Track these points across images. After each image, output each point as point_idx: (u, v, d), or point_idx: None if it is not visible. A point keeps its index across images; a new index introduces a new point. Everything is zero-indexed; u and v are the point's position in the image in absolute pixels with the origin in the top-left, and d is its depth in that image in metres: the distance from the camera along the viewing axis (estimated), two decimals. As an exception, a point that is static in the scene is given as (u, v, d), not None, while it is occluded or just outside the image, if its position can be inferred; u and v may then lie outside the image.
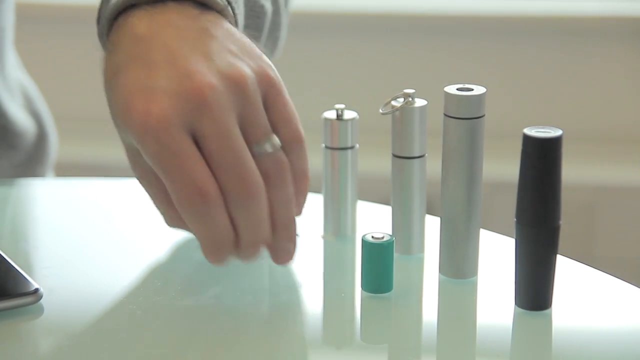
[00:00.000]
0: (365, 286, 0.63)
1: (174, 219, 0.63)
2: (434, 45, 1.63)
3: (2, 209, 0.76)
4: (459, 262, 0.65)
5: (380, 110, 0.65)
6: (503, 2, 1.63)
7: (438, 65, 1.63)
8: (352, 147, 0.69)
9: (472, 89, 0.63)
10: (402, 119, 0.65)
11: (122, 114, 0.59)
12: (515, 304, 0.62)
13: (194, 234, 0.60)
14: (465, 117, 0.62)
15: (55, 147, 0.96)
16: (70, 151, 1.53)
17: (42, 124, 0.94)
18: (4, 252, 0.66)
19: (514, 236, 0.61)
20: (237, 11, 0.65)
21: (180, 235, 0.69)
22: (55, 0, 1.69)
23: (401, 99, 0.65)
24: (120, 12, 0.63)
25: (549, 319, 0.61)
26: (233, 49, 0.61)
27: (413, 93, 0.65)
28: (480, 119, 0.63)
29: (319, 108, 0.71)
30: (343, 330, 0.62)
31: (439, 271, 0.65)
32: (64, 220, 0.74)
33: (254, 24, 0.73)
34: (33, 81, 0.98)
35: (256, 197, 0.59)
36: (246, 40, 0.62)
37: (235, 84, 0.60)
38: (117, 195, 0.78)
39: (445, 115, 0.63)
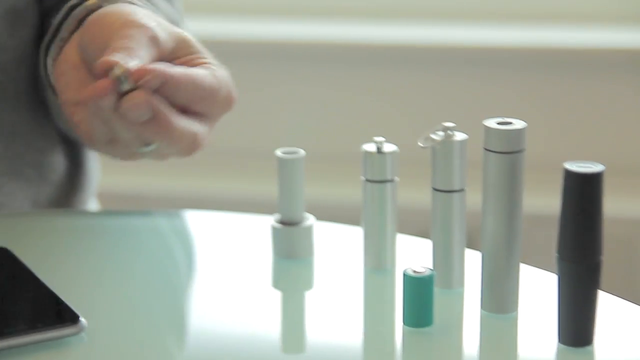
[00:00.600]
0: (406, 320, 0.63)
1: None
2: (473, 77, 1.63)
3: (45, 239, 0.77)
4: (499, 297, 0.64)
5: (420, 144, 0.65)
6: (544, 34, 1.63)
7: (478, 98, 1.63)
8: (391, 180, 0.69)
9: (512, 123, 0.62)
10: (442, 152, 0.65)
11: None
12: (558, 339, 0.61)
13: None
14: (505, 152, 0.62)
15: (95, 175, 0.96)
16: (115, 181, 1.54)
17: (76, 158, 0.94)
18: (47, 282, 0.66)
19: (555, 271, 0.61)
20: None
21: (221, 269, 0.69)
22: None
23: (441, 133, 0.65)
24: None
25: (591, 355, 0.61)
26: None
27: (453, 126, 0.65)
28: (520, 152, 0.62)
29: (359, 140, 0.71)
30: (383, 365, 0.61)
31: (480, 306, 0.65)
32: (107, 252, 0.75)
33: None
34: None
35: None
36: None
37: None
38: (161, 227, 0.79)
39: (485, 149, 0.63)
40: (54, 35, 0.78)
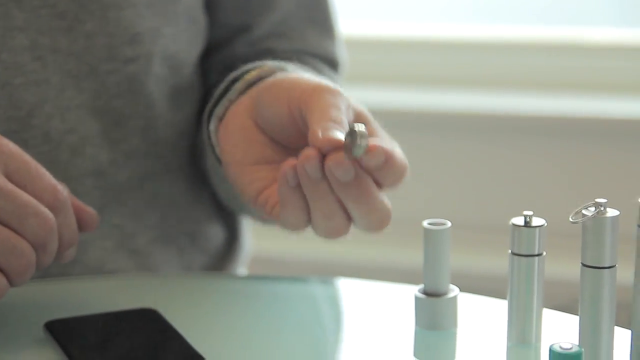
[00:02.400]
0: (551, 397, 0.62)
1: None
2: (626, 152, 1.60)
3: (194, 301, 0.78)
4: (649, 378, 0.63)
5: (571, 219, 0.65)
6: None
7: (631, 172, 1.60)
8: (539, 255, 0.68)
9: (667, 200, 0.61)
10: (593, 228, 0.64)
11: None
12: None
13: None
14: (660, 229, 0.61)
15: (247, 249, 0.98)
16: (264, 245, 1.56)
17: (232, 228, 0.96)
18: (196, 346, 0.67)
19: None
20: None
21: (365, 338, 0.69)
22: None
23: (592, 209, 0.64)
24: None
25: None
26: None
27: (605, 203, 0.64)
28: (675, 231, 0.61)
29: (508, 214, 0.71)
30: None
31: (628, 386, 0.63)
32: (255, 316, 0.75)
33: None
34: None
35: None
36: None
37: None
38: (309, 294, 0.79)
39: (639, 226, 0.62)
40: (217, 102, 0.79)
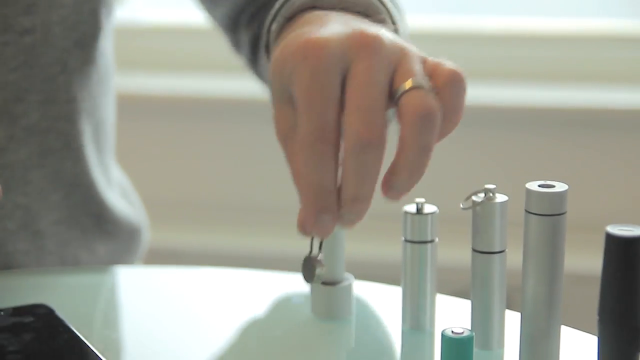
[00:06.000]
0: (444, 381, 0.63)
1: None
2: (515, 139, 1.63)
3: (90, 295, 0.77)
4: (539, 358, 0.64)
5: (461, 206, 0.66)
6: (585, 95, 1.63)
7: (519, 159, 1.63)
8: (431, 241, 0.69)
9: (554, 186, 0.63)
10: (482, 214, 0.65)
11: (286, 48, 0.63)
12: (598, 403, 0.61)
13: (300, 186, 0.61)
14: (546, 214, 0.62)
15: (147, 239, 0.97)
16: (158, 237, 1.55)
17: (137, 216, 0.96)
18: (88, 339, 0.67)
19: (596, 333, 0.60)
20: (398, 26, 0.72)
21: (258, 325, 0.69)
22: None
23: (482, 194, 0.65)
24: (296, 14, 0.70)
25: (632, 420, 0.60)
26: (391, 36, 0.65)
27: (494, 188, 0.65)
28: (562, 215, 0.62)
29: (401, 201, 0.71)
30: None
31: (519, 367, 0.65)
32: (149, 309, 0.75)
33: None
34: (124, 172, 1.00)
35: (373, 145, 0.60)
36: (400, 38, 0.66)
37: (400, 48, 0.63)
38: (201, 284, 0.79)
39: (527, 211, 0.63)
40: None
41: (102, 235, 0.91)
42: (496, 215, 0.65)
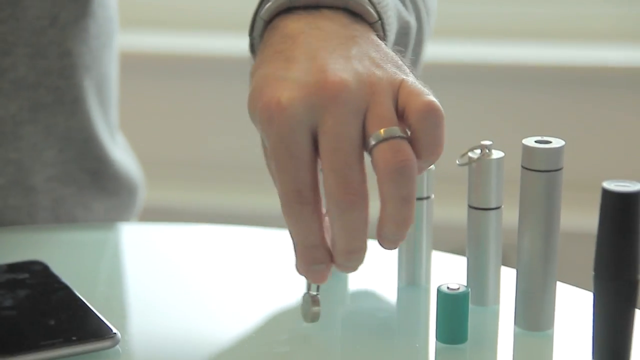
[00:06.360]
0: (439, 337, 0.63)
1: None
2: (511, 96, 1.63)
3: (85, 252, 0.77)
4: (535, 315, 0.64)
5: (457, 162, 0.65)
6: (581, 52, 1.62)
7: (516, 116, 1.63)
8: (427, 198, 0.69)
9: (551, 142, 0.62)
10: (479, 170, 0.65)
11: (253, 101, 0.61)
12: (593, 358, 0.61)
13: (291, 237, 0.61)
14: (543, 170, 0.62)
15: (143, 197, 0.97)
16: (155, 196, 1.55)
17: (136, 173, 0.95)
18: (83, 296, 0.67)
19: (592, 289, 0.60)
20: (387, 27, 0.66)
21: (256, 282, 0.69)
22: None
23: (478, 151, 0.65)
24: (275, 16, 0.65)
25: (626, 375, 0.60)
26: (374, 57, 0.62)
27: (490, 145, 0.65)
28: (558, 171, 0.62)
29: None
30: (417, 382, 0.61)
31: (515, 323, 0.65)
32: (146, 266, 0.75)
33: (401, 40, 0.74)
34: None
35: (355, 205, 0.59)
36: (390, 52, 0.63)
37: (369, 86, 0.60)
38: (199, 241, 0.79)
39: (523, 167, 0.63)
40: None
41: (100, 192, 0.91)
42: (492, 171, 0.65)
